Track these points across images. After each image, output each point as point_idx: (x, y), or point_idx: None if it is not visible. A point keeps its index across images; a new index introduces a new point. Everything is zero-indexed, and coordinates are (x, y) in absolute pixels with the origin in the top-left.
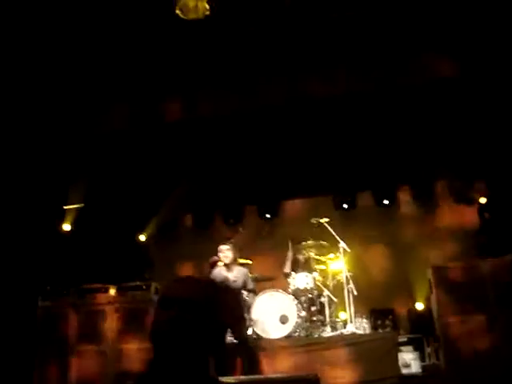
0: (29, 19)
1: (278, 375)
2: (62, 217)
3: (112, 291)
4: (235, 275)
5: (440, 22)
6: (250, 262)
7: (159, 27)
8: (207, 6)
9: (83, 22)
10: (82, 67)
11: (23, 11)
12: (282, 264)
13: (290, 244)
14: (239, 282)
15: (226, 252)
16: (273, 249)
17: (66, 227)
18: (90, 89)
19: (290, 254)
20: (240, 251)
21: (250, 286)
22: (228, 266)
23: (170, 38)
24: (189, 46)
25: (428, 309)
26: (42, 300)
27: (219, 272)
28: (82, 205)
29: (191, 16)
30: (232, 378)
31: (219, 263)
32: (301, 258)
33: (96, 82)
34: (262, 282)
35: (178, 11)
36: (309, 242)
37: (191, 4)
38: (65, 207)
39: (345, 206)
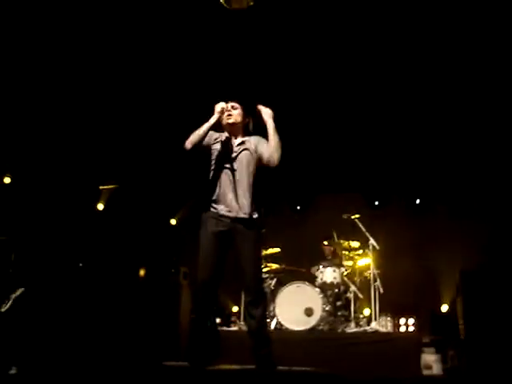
0: None
1: (300, 368)
2: (96, 197)
3: (141, 272)
4: (242, 139)
5: None
6: (278, 249)
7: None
8: None
9: None
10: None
11: None
12: (312, 257)
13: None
14: (249, 147)
15: (231, 109)
16: (302, 241)
17: (100, 207)
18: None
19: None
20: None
21: (266, 153)
22: (233, 127)
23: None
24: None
25: (453, 312)
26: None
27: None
28: (117, 186)
29: (234, 6)
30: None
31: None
32: (330, 251)
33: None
34: (289, 274)
35: (221, 0)
36: (340, 238)
37: None
38: (100, 187)
39: (376, 203)
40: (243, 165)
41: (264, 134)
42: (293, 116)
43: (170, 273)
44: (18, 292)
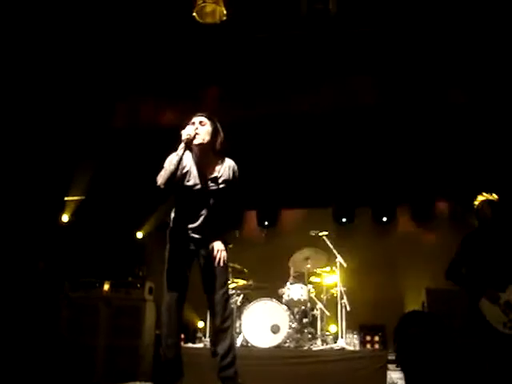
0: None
1: None
2: (61, 208)
3: (106, 286)
4: (214, 174)
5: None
6: (245, 270)
7: (176, 29)
8: (224, 11)
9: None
10: (95, 64)
11: None
12: (279, 274)
13: (291, 269)
14: (220, 185)
15: (199, 126)
16: (269, 257)
17: (65, 218)
18: (103, 85)
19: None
20: (237, 257)
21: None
22: (201, 147)
23: (185, 40)
24: (203, 49)
25: None
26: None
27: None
28: (83, 197)
29: (208, 20)
30: None
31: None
32: (297, 269)
33: (109, 79)
34: (255, 290)
35: (194, 14)
36: (306, 253)
37: (208, 8)
38: (65, 198)
39: (343, 219)
40: (213, 198)
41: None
42: (262, 131)
43: (134, 287)
44: None
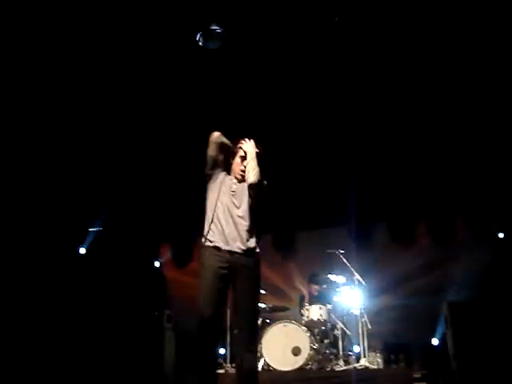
0: None
1: None
2: (80, 240)
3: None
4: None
5: None
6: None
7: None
8: None
9: None
10: None
11: None
12: (296, 294)
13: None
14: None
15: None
16: (286, 279)
17: (82, 250)
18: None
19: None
20: None
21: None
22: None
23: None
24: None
25: (443, 345)
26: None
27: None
28: (100, 228)
29: None
30: None
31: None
32: (315, 289)
33: None
34: (275, 313)
35: None
36: (324, 275)
37: None
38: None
39: (360, 237)
40: (242, 200)
41: None
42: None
43: (153, 316)
44: None
